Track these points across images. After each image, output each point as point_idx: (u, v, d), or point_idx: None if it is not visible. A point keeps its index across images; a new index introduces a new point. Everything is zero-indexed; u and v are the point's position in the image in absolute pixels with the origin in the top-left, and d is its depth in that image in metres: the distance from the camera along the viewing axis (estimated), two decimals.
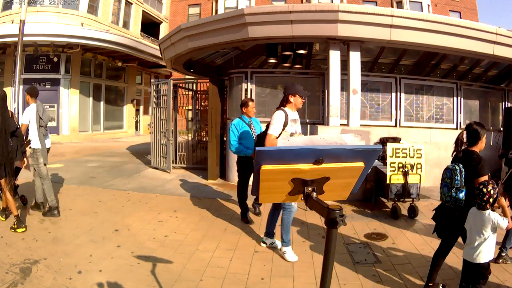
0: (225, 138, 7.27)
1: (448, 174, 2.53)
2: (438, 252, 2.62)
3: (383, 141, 5.22)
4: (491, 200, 2.20)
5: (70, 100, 13.50)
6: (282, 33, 5.33)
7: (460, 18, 17.35)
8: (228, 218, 4.36)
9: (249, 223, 4.16)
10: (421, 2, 18.31)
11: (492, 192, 2.20)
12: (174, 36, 6.57)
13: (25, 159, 4.12)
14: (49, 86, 13.18)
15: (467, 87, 6.74)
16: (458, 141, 2.56)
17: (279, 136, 3.03)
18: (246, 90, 6.30)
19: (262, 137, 3.35)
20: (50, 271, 2.81)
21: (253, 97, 6.26)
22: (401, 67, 7.99)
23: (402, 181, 4.45)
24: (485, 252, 2.25)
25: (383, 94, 6.35)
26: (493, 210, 2.26)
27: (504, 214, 2.30)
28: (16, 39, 8.49)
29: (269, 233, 3.46)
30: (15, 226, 3.60)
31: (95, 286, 2.62)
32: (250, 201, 4.43)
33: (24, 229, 3.62)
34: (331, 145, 1.21)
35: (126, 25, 16.73)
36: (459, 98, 6.50)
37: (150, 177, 6.89)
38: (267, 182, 1.20)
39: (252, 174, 4.05)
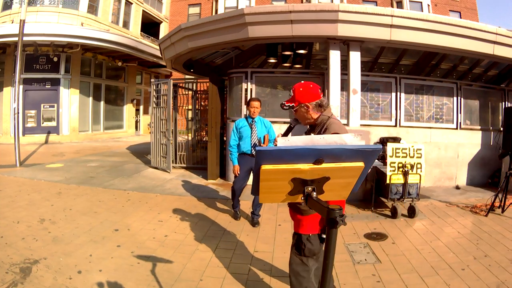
0: (225, 138, 7.27)
1: None
2: None
3: (383, 141, 5.22)
4: None
5: (70, 100, 13.50)
6: (282, 33, 5.33)
7: (460, 18, 17.35)
8: (228, 218, 4.36)
9: (236, 218, 4.31)
10: (421, 2, 18.31)
11: None
12: (174, 36, 6.56)
13: None
14: (49, 86, 13.18)
15: (467, 87, 6.73)
16: None
17: None
18: (246, 90, 6.30)
19: None
20: (50, 271, 2.81)
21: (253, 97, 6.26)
22: (401, 67, 7.98)
23: (402, 181, 4.45)
24: None
25: (383, 94, 6.35)
26: None
27: None
28: (16, 39, 8.45)
29: None
30: None
31: (95, 285, 2.62)
32: (249, 201, 4.42)
33: None
34: (331, 145, 1.21)
35: (126, 25, 16.72)
36: (459, 98, 6.49)
37: (150, 177, 6.89)
38: (267, 182, 1.20)
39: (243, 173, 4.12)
